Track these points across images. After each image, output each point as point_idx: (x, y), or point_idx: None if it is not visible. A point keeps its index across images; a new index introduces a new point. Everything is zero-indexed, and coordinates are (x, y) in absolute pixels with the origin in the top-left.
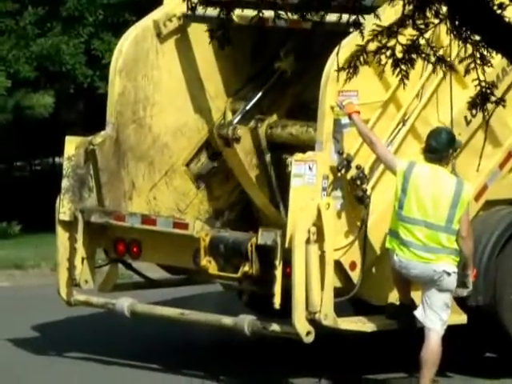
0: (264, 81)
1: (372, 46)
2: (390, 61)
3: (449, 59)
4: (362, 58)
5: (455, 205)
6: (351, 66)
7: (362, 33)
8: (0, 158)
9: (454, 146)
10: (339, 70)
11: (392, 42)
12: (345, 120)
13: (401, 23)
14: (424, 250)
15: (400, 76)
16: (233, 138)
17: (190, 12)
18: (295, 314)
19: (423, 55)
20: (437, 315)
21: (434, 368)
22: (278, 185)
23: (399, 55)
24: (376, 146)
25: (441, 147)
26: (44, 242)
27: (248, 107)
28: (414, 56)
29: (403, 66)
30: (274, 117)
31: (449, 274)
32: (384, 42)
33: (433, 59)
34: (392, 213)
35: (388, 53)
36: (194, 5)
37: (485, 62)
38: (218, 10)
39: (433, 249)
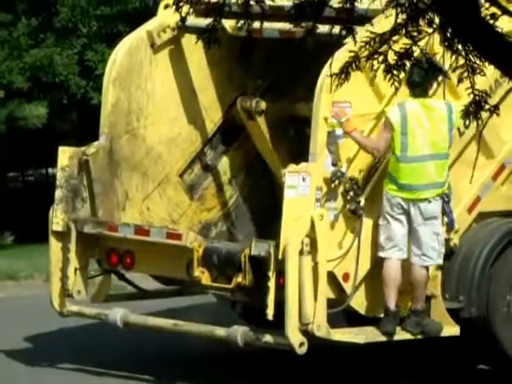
0: (284, 60)
1: (365, 53)
2: (382, 66)
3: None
4: (354, 64)
5: (451, 128)
6: (343, 72)
7: (354, 38)
8: None
9: (436, 74)
10: (332, 75)
11: (385, 49)
12: (338, 131)
13: (394, 32)
14: (424, 189)
15: (392, 81)
16: (256, 110)
17: (180, 22)
18: (288, 325)
19: (416, 62)
20: (431, 249)
21: (426, 286)
22: (301, 158)
23: (392, 61)
24: (381, 153)
25: (422, 80)
26: (37, 252)
27: (270, 82)
28: (406, 62)
29: (395, 72)
30: (297, 91)
31: (429, 201)
32: (376, 48)
33: (425, 66)
34: (392, 159)
35: (380, 58)
36: (184, 15)
37: (476, 72)
38: (209, 20)
39: (434, 184)
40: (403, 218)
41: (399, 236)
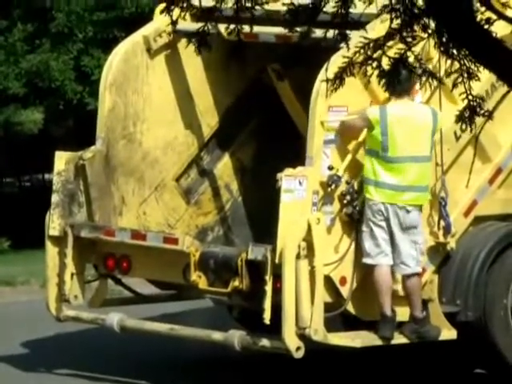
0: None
1: (359, 59)
2: (376, 72)
3: (437, 73)
4: (348, 70)
5: (434, 133)
6: (338, 78)
7: (347, 44)
8: None
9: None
10: (327, 80)
11: (378, 54)
12: (335, 135)
13: (388, 37)
14: (403, 190)
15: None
16: (285, 71)
17: (171, 26)
18: (285, 329)
19: (410, 68)
20: (410, 257)
21: (420, 293)
22: None
23: (386, 67)
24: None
25: (403, 78)
26: (33, 258)
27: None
28: (400, 69)
29: (389, 78)
30: (314, 60)
31: (408, 210)
32: (371, 53)
33: (419, 72)
34: (369, 161)
35: (374, 64)
36: (175, 18)
37: (472, 76)
38: (200, 24)
39: (414, 188)
40: (384, 224)
41: (384, 242)
